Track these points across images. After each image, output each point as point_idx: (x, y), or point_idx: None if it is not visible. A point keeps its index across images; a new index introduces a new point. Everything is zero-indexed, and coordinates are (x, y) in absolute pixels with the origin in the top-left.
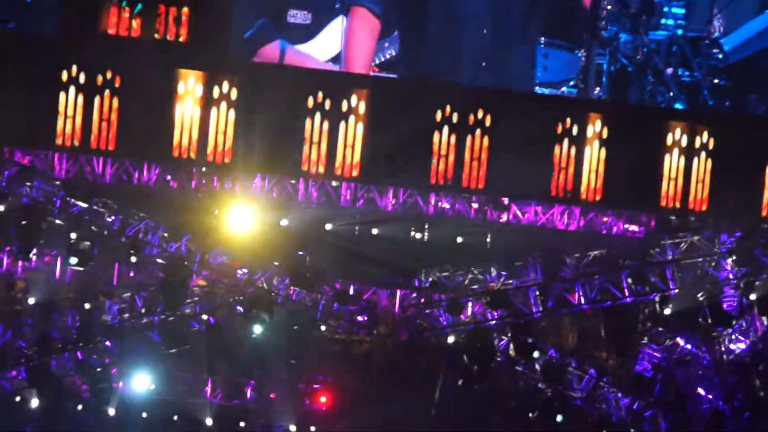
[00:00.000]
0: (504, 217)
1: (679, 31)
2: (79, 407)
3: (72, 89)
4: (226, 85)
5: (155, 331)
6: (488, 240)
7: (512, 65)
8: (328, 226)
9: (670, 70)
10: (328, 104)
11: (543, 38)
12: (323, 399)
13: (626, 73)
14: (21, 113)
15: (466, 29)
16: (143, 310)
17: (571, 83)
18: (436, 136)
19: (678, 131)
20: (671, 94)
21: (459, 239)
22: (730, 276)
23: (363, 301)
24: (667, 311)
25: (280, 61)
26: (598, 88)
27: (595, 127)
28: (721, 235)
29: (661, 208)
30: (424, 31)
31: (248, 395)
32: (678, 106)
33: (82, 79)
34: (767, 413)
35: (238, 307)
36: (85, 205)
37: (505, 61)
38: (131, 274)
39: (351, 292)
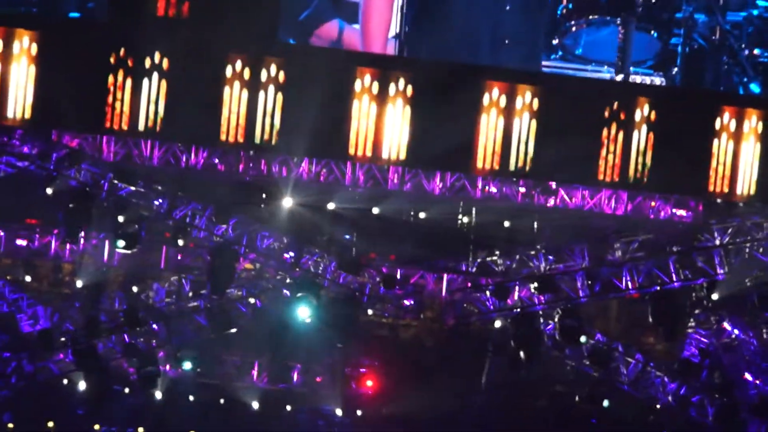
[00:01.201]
0: (551, 202)
1: (755, 11)
2: (126, 390)
3: (120, 72)
4: (273, 68)
5: (202, 315)
6: (535, 224)
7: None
8: (375, 210)
9: (746, 51)
10: (375, 87)
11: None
12: (369, 383)
13: (702, 54)
14: (70, 96)
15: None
16: (190, 294)
17: (648, 63)
18: (483, 118)
19: (727, 115)
20: (747, 75)
21: (506, 223)
22: None
23: (410, 285)
24: (715, 296)
25: (338, 40)
26: (675, 68)
27: (643, 111)
28: None
29: (709, 193)
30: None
31: (294, 379)
32: (754, 87)
33: (130, 62)
34: None
35: (285, 291)
36: (132, 188)
37: (528, 32)
38: (178, 258)
39: (398, 276)
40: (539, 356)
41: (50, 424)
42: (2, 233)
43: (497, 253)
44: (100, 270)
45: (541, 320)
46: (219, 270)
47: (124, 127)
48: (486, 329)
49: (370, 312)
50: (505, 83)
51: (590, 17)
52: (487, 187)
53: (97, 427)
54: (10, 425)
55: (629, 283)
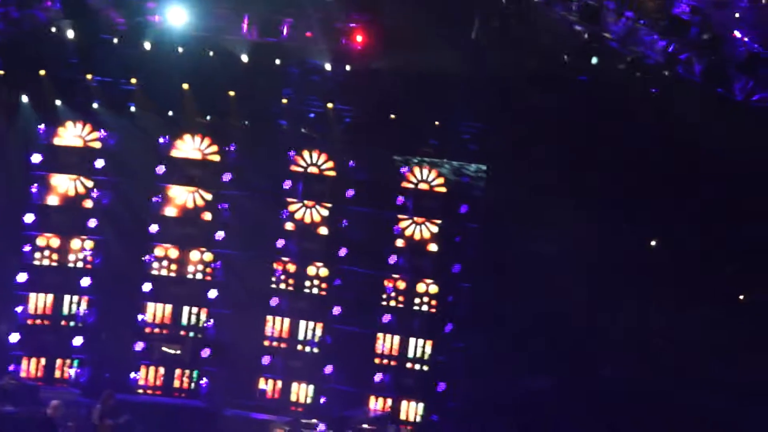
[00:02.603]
0: None
1: None
2: (115, 40)
3: None
4: None
5: None
6: None
7: None
8: None
9: None
10: None
11: None
12: (359, 38)
13: None
14: None
15: None
16: None
17: None
18: None
19: None
20: None
21: None
22: None
23: None
24: None
25: None
26: None
27: None
28: None
29: None
30: None
31: (284, 33)
32: None
33: None
34: None
35: None
36: None
37: None
38: None
39: None
40: (527, 14)
41: (42, 72)
42: None
43: None
44: None
45: None
46: None
47: None
48: None
49: None
50: None
51: None
52: None
53: (89, 76)
54: (1, 72)
55: None
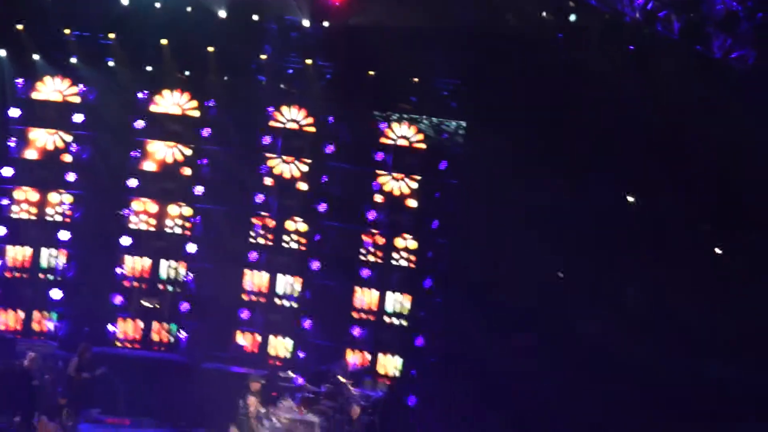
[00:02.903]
0: None
1: None
2: None
3: None
4: None
5: None
6: None
7: None
8: None
9: None
10: None
11: None
12: None
13: None
14: None
15: None
16: None
17: None
18: None
19: None
20: None
21: None
22: None
23: None
24: None
25: None
26: None
27: None
28: None
29: None
30: None
31: None
32: None
33: None
34: None
35: None
36: None
37: None
38: None
39: None
40: None
41: (20, 26)
42: None
43: None
44: None
45: None
46: None
47: None
48: None
49: None
50: None
51: None
52: None
53: (67, 31)
54: None
55: None
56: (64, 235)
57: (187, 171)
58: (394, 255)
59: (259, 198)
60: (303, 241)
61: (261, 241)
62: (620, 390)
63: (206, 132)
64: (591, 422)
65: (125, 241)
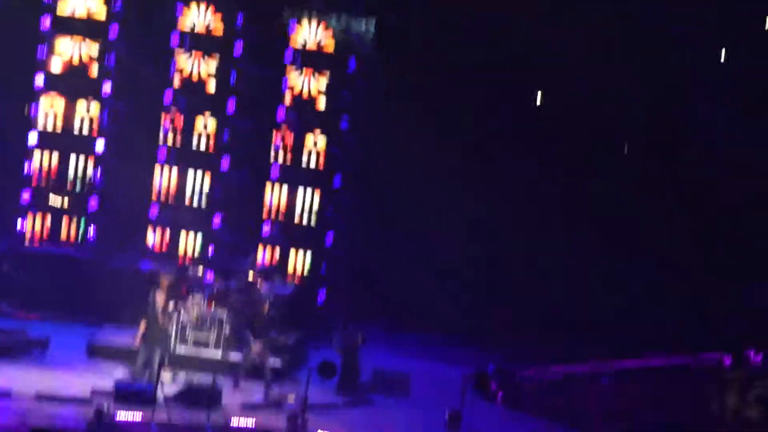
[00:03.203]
0: None
1: None
2: None
3: None
4: None
5: None
6: None
7: None
8: None
9: None
10: None
11: None
12: None
13: None
14: None
15: None
16: None
17: None
18: None
19: None
20: None
21: None
22: None
23: None
24: None
25: None
26: None
27: None
28: None
29: None
30: None
31: None
32: None
33: None
34: None
35: None
36: None
37: None
38: None
39: None
40: None
41: None
42: None
43: None
44: None
45: None
46: None
47: None
48: None
49: None
50: None
51: None
52: None
53: None
54: None
55: None
56: None
57: (94, 67)
58: (304, 152)
59: (168, 95)
60: (212, 138)
61: (170, 137)
62: None
63: (114, 29)
64: None
65: (32, 137)
